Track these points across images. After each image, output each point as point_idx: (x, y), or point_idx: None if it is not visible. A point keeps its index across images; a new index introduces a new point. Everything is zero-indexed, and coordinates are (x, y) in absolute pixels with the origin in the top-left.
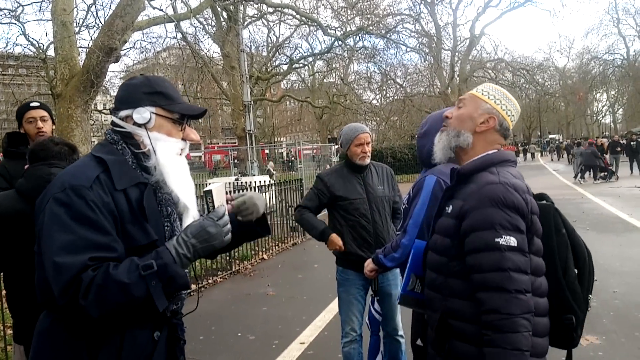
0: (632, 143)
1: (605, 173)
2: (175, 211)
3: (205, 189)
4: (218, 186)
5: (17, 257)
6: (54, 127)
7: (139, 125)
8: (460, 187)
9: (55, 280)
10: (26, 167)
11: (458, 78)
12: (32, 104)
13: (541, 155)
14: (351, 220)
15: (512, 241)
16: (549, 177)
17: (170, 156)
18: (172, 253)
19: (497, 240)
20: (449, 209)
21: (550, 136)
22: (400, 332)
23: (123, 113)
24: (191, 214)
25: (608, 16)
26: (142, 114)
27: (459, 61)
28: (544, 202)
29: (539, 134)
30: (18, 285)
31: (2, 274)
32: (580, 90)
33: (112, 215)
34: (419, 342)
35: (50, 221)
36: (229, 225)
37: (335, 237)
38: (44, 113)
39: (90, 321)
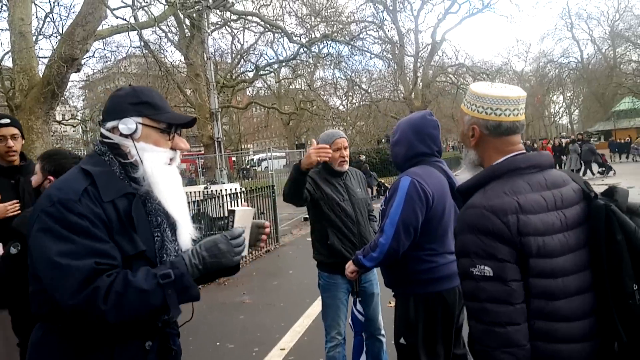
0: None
1: (604, 169)
2: (165, 221)
3: (230, 208)
4: (245, 210)
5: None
6: (23, 142)
7: (126, 136)
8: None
9: (62, 283)
10: (48, 180)
11: (421, 83)
12: (2, 121)
13: None
14: (337, 222)
15: (487, 270)
16: None
17: (157, 166)
18: (187, 263)
19: (471, 269)
20: None
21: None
22: (382, 332)
23: (110, 124)
24: (182, 224)
25: (562, 21)
26: (128, 124)
27: (422, 67)
28: (599, 201)
29: None
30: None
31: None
32: (538, 92)
33: (104, 225)
34: (402, 340)
35: (43, 234)
36: (241, 248)
37: (307, 154)
38: (15, 131)
39: (85, 329)
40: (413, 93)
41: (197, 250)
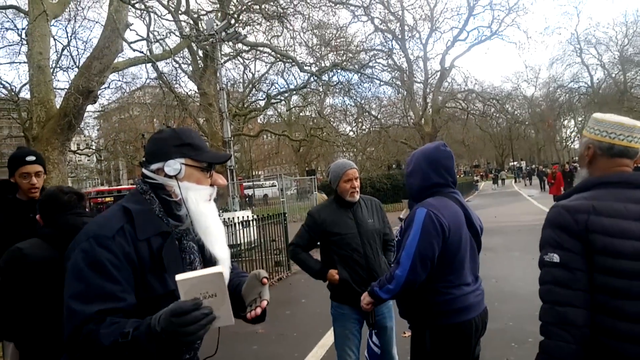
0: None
1: None
2: (197, 258)
3: (177, 276)
4: (200, 276)
5: (41, 302)
6: (45, 176)
7: (170, 177)
8: None
9: (65, 326)
10: (38, 217)
11: (431, 109)
12: (28, 158)
13: (515, 181)
14: (344, 256)
15: (555, 257)
16: (524, 203)
17: (200, 203)
18: (151, 327)
19: (544, 257)
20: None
21: (511, 163)
22: None
23: (154, 166)
24: (222, 258)
25: (571, 47)
26: (173, 166)
27: (431, 93)
28: None
29: (512, 160)
30: (34, 331)
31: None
32: (549, 117)
33: (132, 265)
34: None
35: (71, 269)
36: (191, 327)
37: (332, 274)
38: (39, 168)
39: None
40: (423, 119)
41: (161, 318)
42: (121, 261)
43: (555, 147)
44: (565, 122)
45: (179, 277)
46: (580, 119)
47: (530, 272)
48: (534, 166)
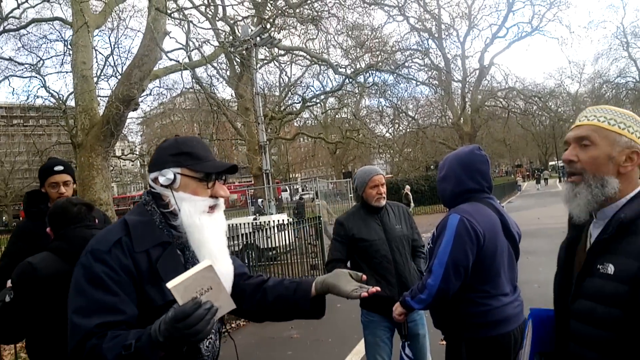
0: None
1: None
2: None
3: (168, 283)
4: (191, 276)
5: (53, 316)
6: (75, 186)
7: (166, 187)
8: (620, 240)
9: (69, 341)
10: (48, 230)
11: (470, 108)
12: (56, 168)
13: (559, 180)
14: (372, 262)
15: None
16: None
17: (194, 215)
18: (152, 337)
19: None
20: (608, 268)
21: (552, 163)
22: None
23: (152, 175)
24: (219, 271)
25: (617, 40)
26: (166, 175)
27: (470, 92)
28: None
29: (556, 159)
30: (45, 343)
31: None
32: None
33: (130, 277)
34: None
35: (73, 284)
36: (198, 326)
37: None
38: (67, 178)
39: None
40: (462, 118)
41: (161, 327)
42: (119, 274)
43: None
44: None
45: (169, 283)
46: None
47: None
48: None
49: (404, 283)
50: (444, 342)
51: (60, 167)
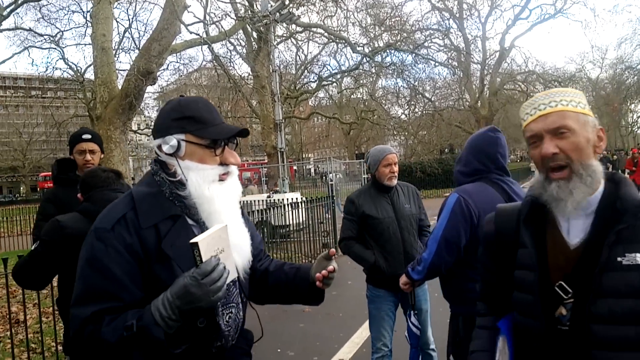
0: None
1: None
2: None
3: (192, 240)
4: (209, 235)
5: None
6: (102, 156)
7: (171, 155)
8: (634, 225)
9: (70, 329)
10: (79, 195)
11: (488, 91)
12: (84, 136)
13: None
14: (381, 239)
15: None
16: None
17: (202, 185)
18: (155, 315)
19: None
20: (630, 258)
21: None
22: (432, 346)
23: (155, 142)
24: (233, 242)
25: None
26: (170, 142)
27: (489, 74)
28: None
29: None
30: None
31: (56, 285)
32: (615, 101)
33: (136, 257)
34: (451, 358)
35: (78, 264)
36: (219, 282)
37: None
38: (94, 146)
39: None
40: (479, 101)
41: (168, 299)
42: (121, 254)
43: (619, 132)
44: (632, 106)
45: (195, 239)
46: None
47: None
48: (605, 152)
49: (410, 260)
50: None
51: (89, 136)
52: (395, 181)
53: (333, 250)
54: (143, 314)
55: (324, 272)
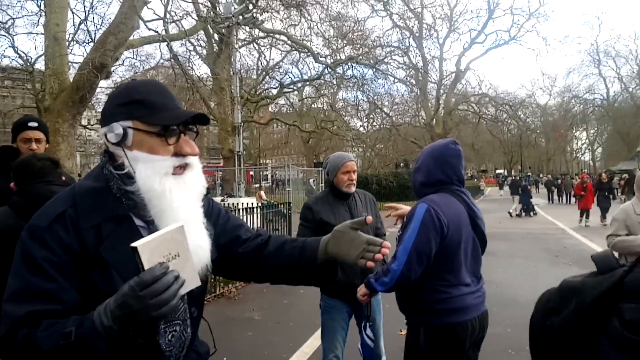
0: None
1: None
2: None
3: (132, 244)
4: (159, 236)
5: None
6: (47, 146)
7: (117, 144)
8: None
9: (1, 328)
10: (12, 184)
11: (443, 110)
12: (31, 124)
13: (500, 188)
14: None
15: None
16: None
17: (152, 178)
18: (97, 323)
19: None
20: None
21: (497, 171)
22: (384, 358)
23: (102, 131)
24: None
25: (589, 57)
26: (115, 130)
27: (444, 94)
28: None
29: (520, 168)
30: None
31: None
32: (561, 127)
33: (74, 259)
34: None
35: (13, 261)
36: (164, 295)
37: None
38: (40, 135)
39: None
40: (434, 119)
41: (110, 307)
42: (58, 255)
43: (565, 157)
44: (578, 133)
45: (136, 243)
46: (592, 131)
47: (532, 280)
48: (549, 176)
49: (368, 271)
50: (403, 332)
51: (35, 124)
52: (353, 188)
53: (370, 217)
54: (83, 322)
55: (378, 256)
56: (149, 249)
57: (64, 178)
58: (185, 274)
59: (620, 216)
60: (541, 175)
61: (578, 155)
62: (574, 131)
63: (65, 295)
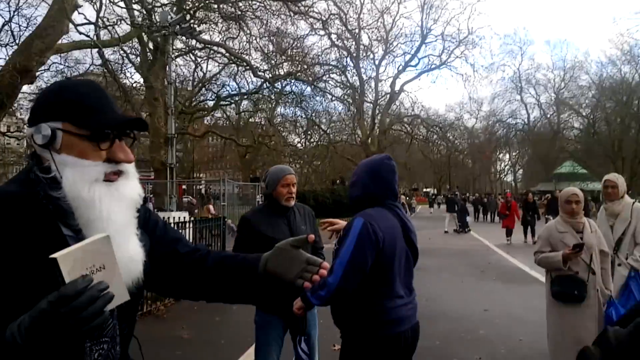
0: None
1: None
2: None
3: (52, 255)
4: (82, 247)
5: None
6: None
7: (44, 146)
8: None
9: None
10: None
11: (378, 129)
12: None
13: (430, 206)
14: None
15: None
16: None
17: (79, 185)
18: (8, 340)
19: None
20: None
21: (425, 190)
22: None
23: (28, 131)
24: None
25: (512, 84)
26: (43, 131)
27: (380, 114)
28: None
29: (448, 187)
30: None
31: None
32: (486, 149)
33: None
34: None
35: None
36: (88, 312)
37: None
38: None
39: None
40: (370, 138)
41: (24, 324)
42: None
43: (490, 177)
44: (501, 155)
45: (56, 254)
46: (514, 153)
47: (459, 294)
48: (467, 194)
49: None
50: (337, 347)
51: None
52: (292, 202)
53: (312, 236)
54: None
55: (316, 277)
56: (70, 261)
57: None
58: (112, 287)
59: (544, 234)
60: (467, 195)
61: (501, 176)
62: (497, 153)
63: None
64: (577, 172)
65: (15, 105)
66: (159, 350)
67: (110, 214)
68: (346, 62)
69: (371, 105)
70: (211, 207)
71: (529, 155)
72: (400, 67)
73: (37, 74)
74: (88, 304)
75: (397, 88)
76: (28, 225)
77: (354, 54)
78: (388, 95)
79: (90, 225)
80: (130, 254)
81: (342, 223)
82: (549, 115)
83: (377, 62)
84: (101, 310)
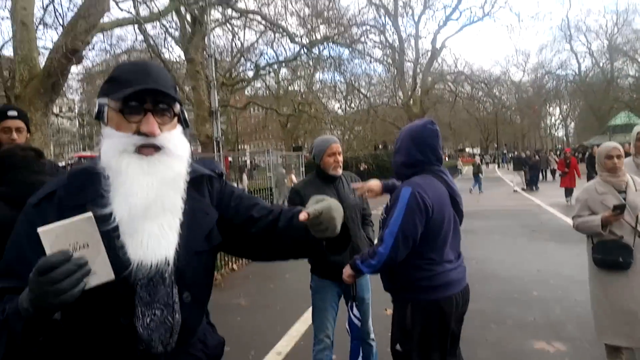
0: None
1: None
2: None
3: (39, 228)
4: (65, 224)
5: None
6: (28, 135)
7: (99, 121)
8: None
9: None
10: None
11: (420, 90)
12: (10, 113)
13: (498, 167)
14: None
15: None
16: (507, 188)
17: (110, 155)
18: (19, 304)
19: None
20: None
21: (467, 150)
22: (372, 336)
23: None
24: (132, 234)
25: (561, 33)
26: (96, 107)
27: (421, 73)
28: None
29: (496, 145)
30: None
31: None
32: (535, 103)
33: None
34: (398, 347)
35: None
36: (64, 284)
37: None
38: (20, 124)
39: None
40: (412, 99)
41: (26, 290)
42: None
43: (539, 133)
44: (551, 109)
45: (41, 228)
46: (565, 106)
47: (510, 256)
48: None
49: (355, 249)
50: (389, 312)
51: (14, 112)
52: (340, 170)
53: (303, 215)
54: (12, 302)
55: (302, 215)
56: (53, 235)
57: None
58: (94, 266)
59: (583, 196)
60: (515, 153)
61: (552, 131)
62: (547, 107)
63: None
64: (634, 123)
65: (65, 86)
66: (220, 317)
67: (139, 188)
68: (384, 20)
69: (412, 64)
70: (293, 176)
71: (581, 108)
72: (441, 22)
73: (83, 53)
74: (64, 277)
75: (438, 45)
76: (91, 197)
77: (392, 12)
78: (429, 53)
79: (117, 197)
80: (156, 232)
81: (371, 183)
82: (601, 64)
83: (416, 19)
84: (76, 283)
